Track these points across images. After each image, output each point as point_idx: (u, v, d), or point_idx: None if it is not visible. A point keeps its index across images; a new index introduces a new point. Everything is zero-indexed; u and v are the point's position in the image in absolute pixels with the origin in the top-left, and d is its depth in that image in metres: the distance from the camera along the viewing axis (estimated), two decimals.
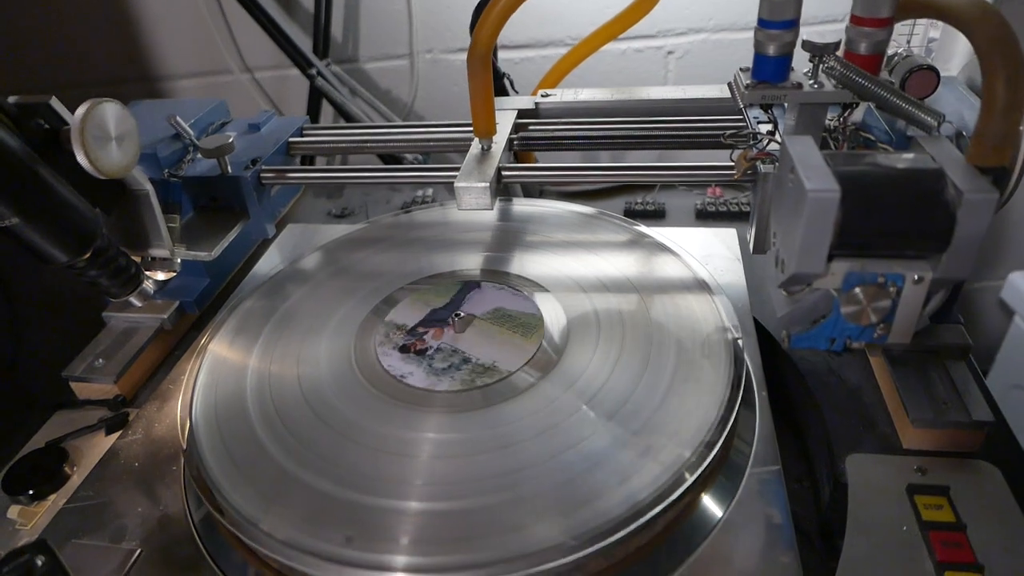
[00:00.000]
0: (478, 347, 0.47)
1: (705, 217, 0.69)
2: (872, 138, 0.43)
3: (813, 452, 0.48)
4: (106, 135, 0.40)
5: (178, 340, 0.59)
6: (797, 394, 0.50)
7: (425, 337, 0.48)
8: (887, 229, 0.35)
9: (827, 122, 0.46)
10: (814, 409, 0.47)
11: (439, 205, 0.69)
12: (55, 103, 0.40)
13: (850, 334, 0.38)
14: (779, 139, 0.45)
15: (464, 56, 0.95)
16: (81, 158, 0.38)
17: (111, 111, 0.40)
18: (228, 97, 0.69)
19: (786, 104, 0.47)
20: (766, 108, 0.47)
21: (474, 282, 0.53)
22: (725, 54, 0.90)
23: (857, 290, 0.35)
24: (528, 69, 0.92)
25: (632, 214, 0.67)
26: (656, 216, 0.70)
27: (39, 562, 0.31)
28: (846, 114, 0.45)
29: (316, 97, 0.92)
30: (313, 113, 0.94)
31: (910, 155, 0.38)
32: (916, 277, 0.36)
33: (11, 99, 0.39)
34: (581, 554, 0.34)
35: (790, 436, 0.48)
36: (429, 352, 0.47)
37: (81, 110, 0.38)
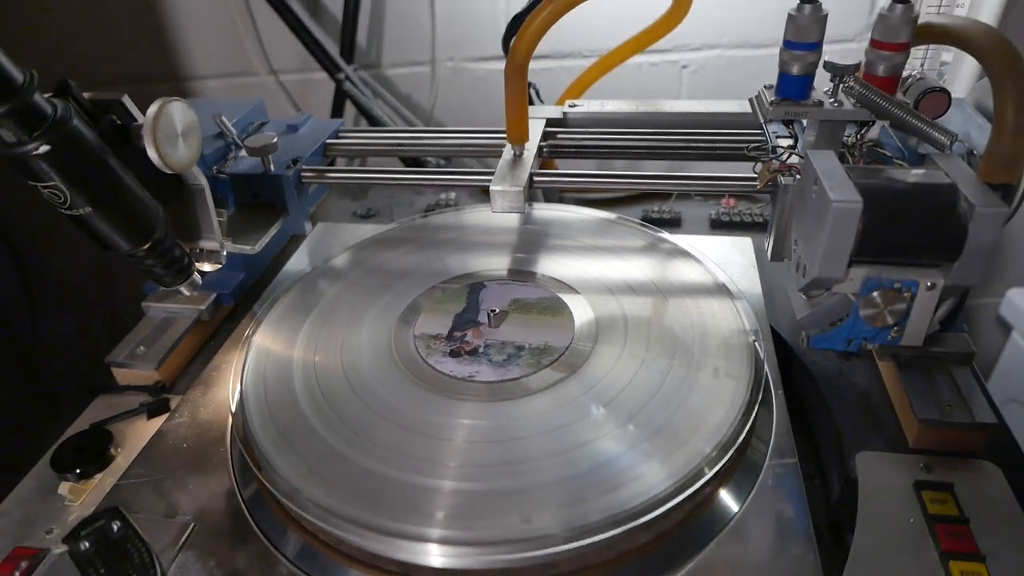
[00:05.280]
0: (522, 334, 0.50)
1: (719, 226, 0.72)
2: (888, 154, 0.46)
3: (823, 451, 0.50)
4: (174, 132, 0.43)
5: (214, 331, 0.62)
6: (808, 396, 0.52)
7: (467, 339, 0.50)
8: (904, 238, 0.37)
9: (844, 138, 0.49)
10: (825, 410, 0.49)
11: (465, 208, 0.72)
12: (127, 101, 0.43)
13: (866, 335, 0.41)
14: (800, 153, 0.48)
15: (484, 65, 0.98)
16: (152, 154, 0.41)
17: (178, 109, 0.43)
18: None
19: (806, 120, 0.50)
20: (788, 123, 0.50)
21: (479, 283, 0.57)
22: (738, 70, 0.93)
23: (875, 294, 0.38)
24: (547, 79, 0.95)
25: (649, 222, 0.69)
26: (672, 224, 0.73)
27: (114, 527, 0.34)
28: (863, 131, 0.48)
29: (340, 100, 0.95)
30: (336, 116, 0.97)
31: (925, 171, 0.40)
32: (929, 284, 0.39)
33: (86, 95, 0.42)
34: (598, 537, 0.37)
35: (800, 438, 0.50)
36: (480, 350, 0.49)
37: (153, 109, 0.41)
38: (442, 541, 0.37)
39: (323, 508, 0.39)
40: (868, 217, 0.37)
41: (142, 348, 0.57)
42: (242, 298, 0.64)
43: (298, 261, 0.66)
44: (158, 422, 0.51)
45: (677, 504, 0.38)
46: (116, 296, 1.25)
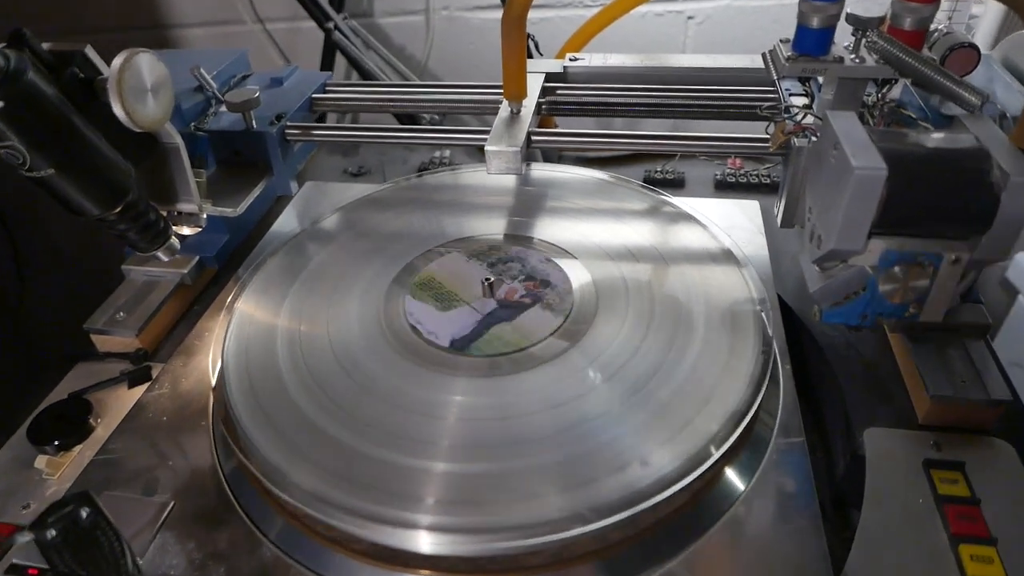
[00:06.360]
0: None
1: (724, 188, 0.69)
2: (912, 116, 0.43)
3: (828, 424, 0.49)
4: (142, 86, 0.39)
5: (197, 295, 0.59)
6: (815, 368, 0.50)
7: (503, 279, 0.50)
8: (931, 209, 0.35)
9: (864, 97, 0.46)
10: (831, 382, 0.48)
11: (460, 168, 0.69)
12: (90, 52, 0.39)
13: (883, 311, 0.39)
14: (816, 113, 0.44)
15: (480, 15, 0.94)
16: (118, 110, 0.38)
17: (146, 61, 0.39)
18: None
19: (822, 78, 0.47)
20: (804, 81, 0.47)
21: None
22: (746, 21, 0.89)
23: (897, 268, 0.36)
24: (546, 30, 0.91)
25: (651, 183, 0.67)
26: (675, 185, 0.70)
27: (83, 513, 0.32)
28: (885, 90, 0.45)
29: (330, 52, 0.91)
30: (326, 68, 0.93)
31: (954, 134, 0.38)
32: (954, 258, 0.36)
33: (45, 46, 0.38)
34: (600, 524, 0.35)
35: (805, 409, 0.49)
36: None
37: (118, 61, 0.37)
38: (433, 528, 0.35)
39: (306, 491, 0.37)
40: (893, 185, 0.34)
41: (122, 314, 0.55)
42: (227, 261, 0.62)
43: (285, 222, 0.64)
44: (140, 391, 0.49)
45: (684, 486, 0.36)
46: (107, 259, 1.22)
